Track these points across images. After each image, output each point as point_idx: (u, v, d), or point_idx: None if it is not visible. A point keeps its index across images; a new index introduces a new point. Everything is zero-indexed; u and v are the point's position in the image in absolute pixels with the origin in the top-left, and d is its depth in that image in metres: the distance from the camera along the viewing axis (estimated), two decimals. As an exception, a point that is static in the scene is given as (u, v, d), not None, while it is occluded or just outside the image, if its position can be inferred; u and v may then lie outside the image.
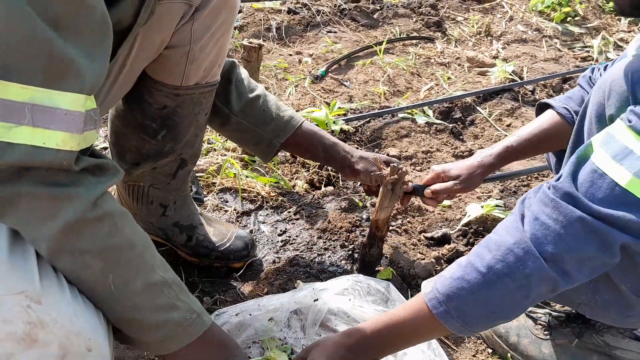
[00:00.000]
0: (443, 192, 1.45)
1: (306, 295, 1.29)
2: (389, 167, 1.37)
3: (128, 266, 0.87)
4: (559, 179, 0.94)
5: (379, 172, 1.41)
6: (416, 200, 1.81)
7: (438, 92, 2.55)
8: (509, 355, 1.32)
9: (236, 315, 1.26)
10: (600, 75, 1.28)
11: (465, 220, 1.72)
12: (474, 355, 1.32)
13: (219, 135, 1.96)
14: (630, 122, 0.88)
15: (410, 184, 1.50)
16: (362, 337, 1.00)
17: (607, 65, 1.28)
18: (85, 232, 0.81)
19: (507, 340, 1.33)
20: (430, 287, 0.99)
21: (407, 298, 1.46)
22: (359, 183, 1.93)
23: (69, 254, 0.80)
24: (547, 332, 1.31)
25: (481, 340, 1.38)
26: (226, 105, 1.41)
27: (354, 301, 1.29)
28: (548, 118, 1.37)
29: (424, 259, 1.59)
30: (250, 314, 1.26)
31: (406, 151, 2.13)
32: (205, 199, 1.73)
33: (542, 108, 1.43)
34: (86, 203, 0.79)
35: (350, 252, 1.60)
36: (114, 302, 0.86)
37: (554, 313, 1.33)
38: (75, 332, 0.79)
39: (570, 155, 1.12)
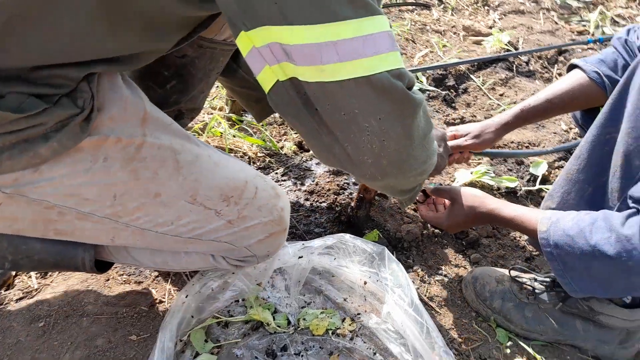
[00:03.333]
0: (457, 149, 1.49)
1: (290, 254, 1.27)
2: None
3: None
4: None
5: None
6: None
7: (432, 59, 2.50)
8: (492, 318, 1.32)
9: (220, 275, 1.25)
10: (638, 37, 1.26)
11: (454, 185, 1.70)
12: (457, 318, 1.32)
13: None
14: None
15: None
16: (490, 210, 1.24)
17: None
18: None
19: (492, 304, 1.32)
20: (546, 224, 1.09)
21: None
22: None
23: None
24: (531, 297, 1.30)
25: (465, 303, 1.37)
26: (234, 59, 1.37)
27: (339, 260, 1.27)
28: (575, 80, 1.35)
29: (410, 222, 1.57)
30: (233, 272, 1.24)
31: (397, 117, 2.09)
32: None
33: (571, 68, 1.41)
34: None
35: (337, 215, 1.58)
36: None
37: (539, 278, 1.32)
38: None
39: (610, 119, 1.13)
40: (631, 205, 1.02)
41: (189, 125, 1.78)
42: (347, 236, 1.30)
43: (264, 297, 1.27)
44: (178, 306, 1.14)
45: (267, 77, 0.73)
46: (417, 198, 1.49)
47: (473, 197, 1.29)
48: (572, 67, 1.41)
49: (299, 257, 1.24)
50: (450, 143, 1.50)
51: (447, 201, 1.36)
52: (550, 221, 1.11)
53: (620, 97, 1.13)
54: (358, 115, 0.72)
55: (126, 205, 0.90)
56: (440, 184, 1.54)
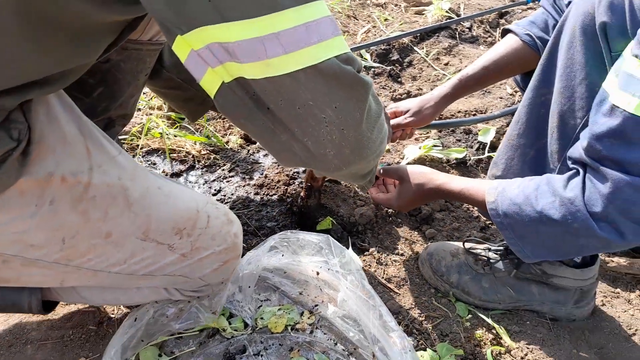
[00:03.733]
0: (398, 127, 1.47)
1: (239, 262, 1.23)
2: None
3: None
4: (595, 137, 0.92)
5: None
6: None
7: (375, 35, 2.47)
8: (451, 293, 1.32)
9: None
10: None
11: (403, 163, 1.69)
12: (417, 297, 1.31)
13: (144, 93, 1.83)
14: None
15: None
16: (438, 185, 1.23)
17: None
18: None
19: (449, 278, 1.32)
20: (493, 195, 1.09)
21: (347, 246, 1.42)
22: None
23: None
24: (487, 267, 1.30)
25: (424, 281, 1.36)
26: (157, 59, 1.31)
27: (288, 257, 1.24)
28: (509, 44, 1.34)
29: (363, 205, 1.55)
30: (189, 301, 1.19)
31: (344, 98, 2.05)
32: (130, 162, 1.62)
33: (505, 33, 1.39)
34: None
35: (288, 206, 1.55)
36: None
37: (492, 247, 1.32)
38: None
39: (542, 80, 1.12)
40: (571, 166, 1.02)
41: (126, 129, 1.71)
42: (289, 232, 1.27)
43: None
44: (125, 328, 1.10)
45: (211, 81, 0.69)
46: None
47: (420, 175, 1.28)
48: (506, 32, 1.40)
49: (248, 264, 1.21)
50: (393, 122, 1.48)
51: (396, 181, 1.35)
52: (497, 191, 1.11)
53: (551, 57, 1.12)
54: (313, 107, 0.69)
55: (76, 248, 0.86)
56: (389, 164, 1.52)
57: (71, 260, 0.88)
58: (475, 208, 1.58)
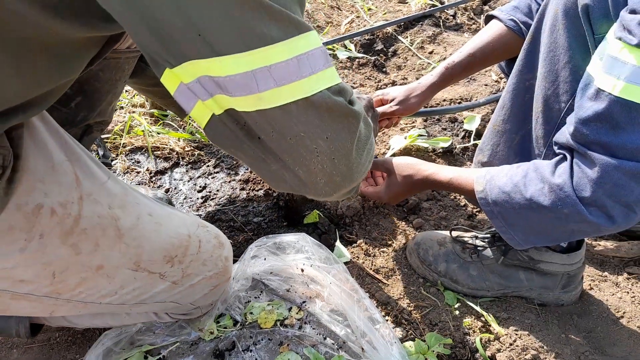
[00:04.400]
0: (384, 116, 1.46)
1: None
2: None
3: None
4: (581, 122, 0.91)
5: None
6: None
7: (359, 25, 2.45)
8: (439, 282, 1.31)
9: None
10: None
11: (389, 153, 1.68)
12: (405, 287, 1.31)
13: (126, 91, 1.80)
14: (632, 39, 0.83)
15: None
16: (426, 176, 1.24)
17: None
18: None
19: (437, 267, 1.32)
20: (482, 184, 1.09)
21: (334, 239, 1.42)
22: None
23: None
24: (474, 255, 1.30)
25: (412, 270, 1.36)
26: (140, 58, 1.28)
27: (270, 261, 1.24)
28: (494, 30, 1.33)
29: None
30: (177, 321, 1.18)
31: (329, 89, 2.04)
32: (113, 162, 1.60)
33: (489, 20, 1.38)
34: None
35: (274, 200, 1.54)
36: None
37: (479, 235, 1.32)
38: None
39: (526, 65, 1.12)
40: (557, 151, 1.01)
41: (109, 128, 1.69)
42: (264, 238, 1.27)
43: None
44: (112, 333, 1.09)
45: (201, 113, 0.68)
46: None
47: (407, 166, 1.27)
48: (490, 18, 1.39)
49: (236, 282, 1.21)
50: (379, 110, 1.47)
51: (384, 173, 1.34)
52: (485, 179, 1.10)
53: (534, 41, 1.11)
54: (305, 138, 0.68)
55: (67, 282, 0.84)
56: (376, 156, 1.51)
57: (61, 294, 0.86)
58: (463, 197, 1.57)
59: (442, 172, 1.21)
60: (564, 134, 0.98)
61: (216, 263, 1.02)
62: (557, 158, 1.01)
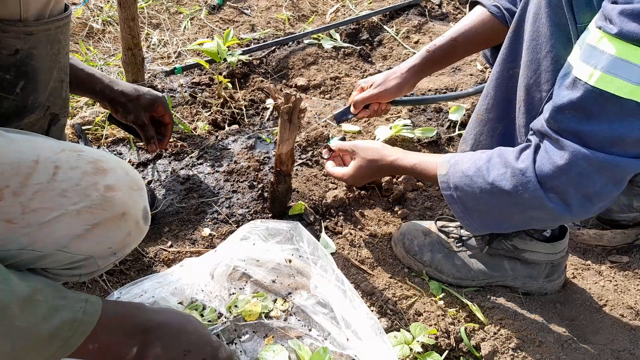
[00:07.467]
0: (362, 102, 1.49)
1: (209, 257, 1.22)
2: (283, 96, 1.27)
3: None
4: (557, 109, 0.91)
5: (274, 102, 1.31)
6: (322, 129, 1.73)
7: (344, 14, 2.43)
8: (424, 272, 1.31)
9: (140, 296, 1.16)
10: None
11: (375, 143, 1.67)
12: (390, 277, 1.31)
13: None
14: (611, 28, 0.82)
15: (335, 112, 1.58)
16: (391, 162, 1.27)
17: None
18: None
19: (422, 257, 1.32)
20: (446, 167, 1.10)
21: (320, 230, 1.41)
22: (266, 118, 1.83)
23: None
24: (459, 245, 1.30)
25: (397, 261, 1.36)
26: None
27: (259, 245, 1.22)
28: (477, 16, 1.34)
29: (335, 188, 1.54)
30: (153, 296, 1.16)
31: (314, 79, 2.02)
32: (94, 153, 1.57)
33: (473, 6, 1.38)
34: None
35: (259, 192, 1.52)
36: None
37: (464, 225, 1.32)
38: None
39: (510, 54, 1.12)
40: (529, 137, 1.02)
41: (90, 119, 1.65)
42: (259, 222, 1.25)
43: (193, 300, 1.20)
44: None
45: None
46: (323, 154, 1.51)
47: (373, 151, 1.31)
48: (474, 4, 1.38)
49: (221, 256, 1.19)
50: (357, 97, 1.50)
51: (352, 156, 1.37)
52: (449, 164, 1.12)
53: (518, 30, 1.11)
54: None
55: None
56: (343, 138, 1.51)
57: None
58: (427, 182, 1.58)
59: (407, 157, 1.24)
60: (540, 120, 0.99)
61: (86, 193, 0.82)
62: (523, 145, 1.03)
